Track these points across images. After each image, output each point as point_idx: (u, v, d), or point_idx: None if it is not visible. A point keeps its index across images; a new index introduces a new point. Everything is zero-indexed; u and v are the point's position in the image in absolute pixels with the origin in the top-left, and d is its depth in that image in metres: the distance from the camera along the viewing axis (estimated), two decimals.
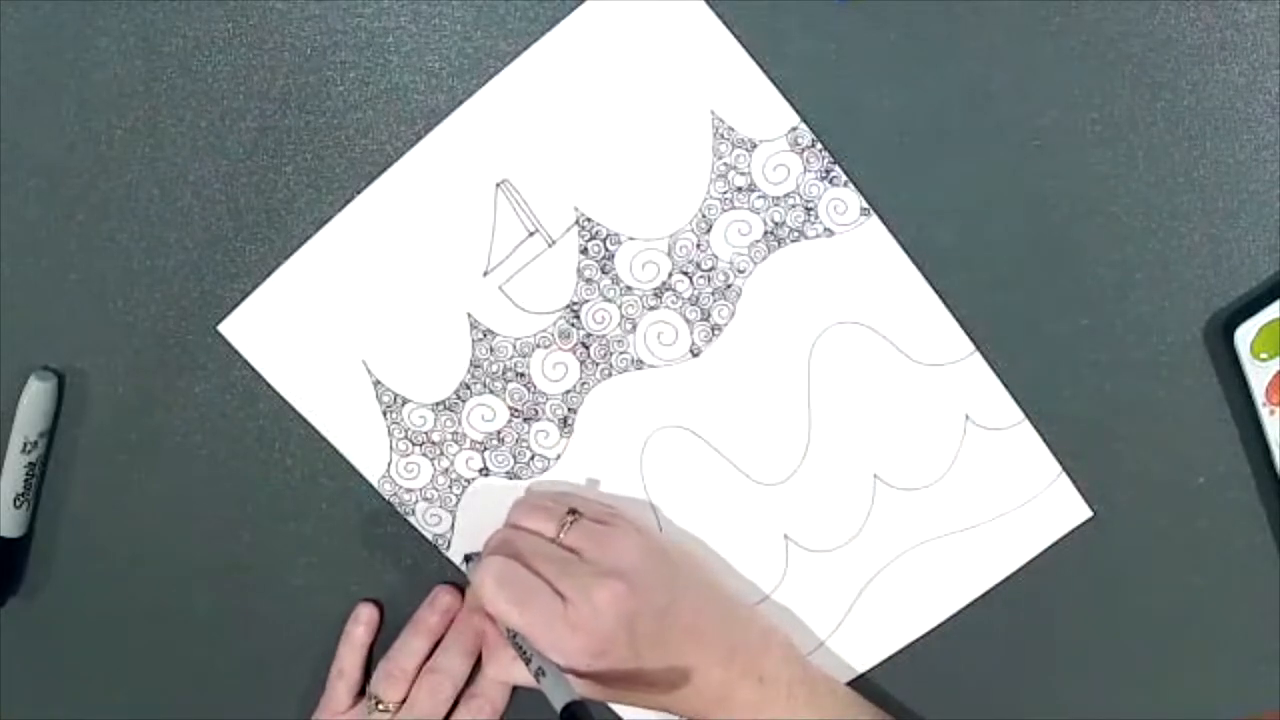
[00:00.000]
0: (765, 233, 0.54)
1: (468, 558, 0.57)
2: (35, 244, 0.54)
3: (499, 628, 0.52)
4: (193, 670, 0.60)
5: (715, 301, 0.55)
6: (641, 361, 0.55)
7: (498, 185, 0.53)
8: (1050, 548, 0.58)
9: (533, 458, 0.57)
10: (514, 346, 0.55)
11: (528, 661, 0.50)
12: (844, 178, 0.53)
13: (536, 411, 0.56)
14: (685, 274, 0.54)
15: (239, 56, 0.52)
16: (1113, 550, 0.58)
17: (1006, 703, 0.60)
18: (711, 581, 0.56)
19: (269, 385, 0.55)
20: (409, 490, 0.57)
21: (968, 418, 0.56)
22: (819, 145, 0.52)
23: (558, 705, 0.47)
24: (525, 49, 0.51)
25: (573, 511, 0.53)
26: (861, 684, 0.59)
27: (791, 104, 0.52)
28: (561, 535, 0.53)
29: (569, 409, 0.56)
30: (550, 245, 0.54)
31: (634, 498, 0.57)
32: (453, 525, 0.57)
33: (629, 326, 0.55)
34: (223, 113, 0.52)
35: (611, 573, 0.51)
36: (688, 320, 0.55)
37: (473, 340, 0.55)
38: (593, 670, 0.50)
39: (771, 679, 0.54)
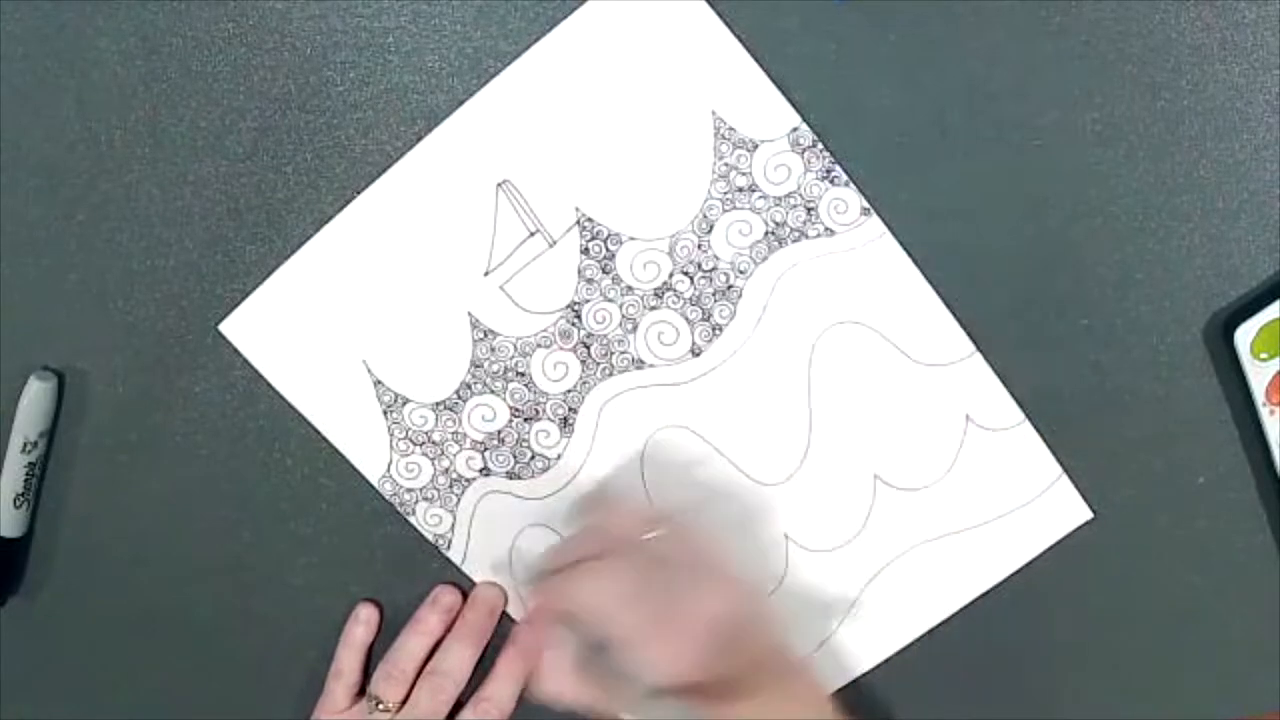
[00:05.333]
0: (766, 233, 0.54)
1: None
2: (35, 244, 0.54)
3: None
4: (193, 670, 0.60)
5: (716, 301, 0.55)
6: (642, 361, 0.55)
7: (498, 185, 0.53)
8: (1050, 548, 0.58)
9: (533, 457, 0.57)
10: (515, 346, 0.55)
11: None
12: (845, 178, 0.53)
13: (537, 411, 0.56)
14: (686, 274, 0.54)
15: (239, 56, 0.51)
16: (1113, 550, 0.58)
17: (1007, 703, 0.60)
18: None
19: (269, 385, 0.55)
20: (409, 490, 0.57)
21: (968, 418, 0.56)
22: (820, 146, 0.52)
23: None
24: (525, 49, 0.51)
25: None
26: (862, 684, 0.59)
27: (792, 103, 0.52)
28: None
29: (570, 409, 0.56)
30: (551, 245, 0.54)
31: (635, 497, 0.57)
32: (453, 525, 0.57)
33: (630, 326, 0.55)
34: (223, 113, 0.52)
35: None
36: (689, 320, 0.55)
37: (473, 340, 0.55)
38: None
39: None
